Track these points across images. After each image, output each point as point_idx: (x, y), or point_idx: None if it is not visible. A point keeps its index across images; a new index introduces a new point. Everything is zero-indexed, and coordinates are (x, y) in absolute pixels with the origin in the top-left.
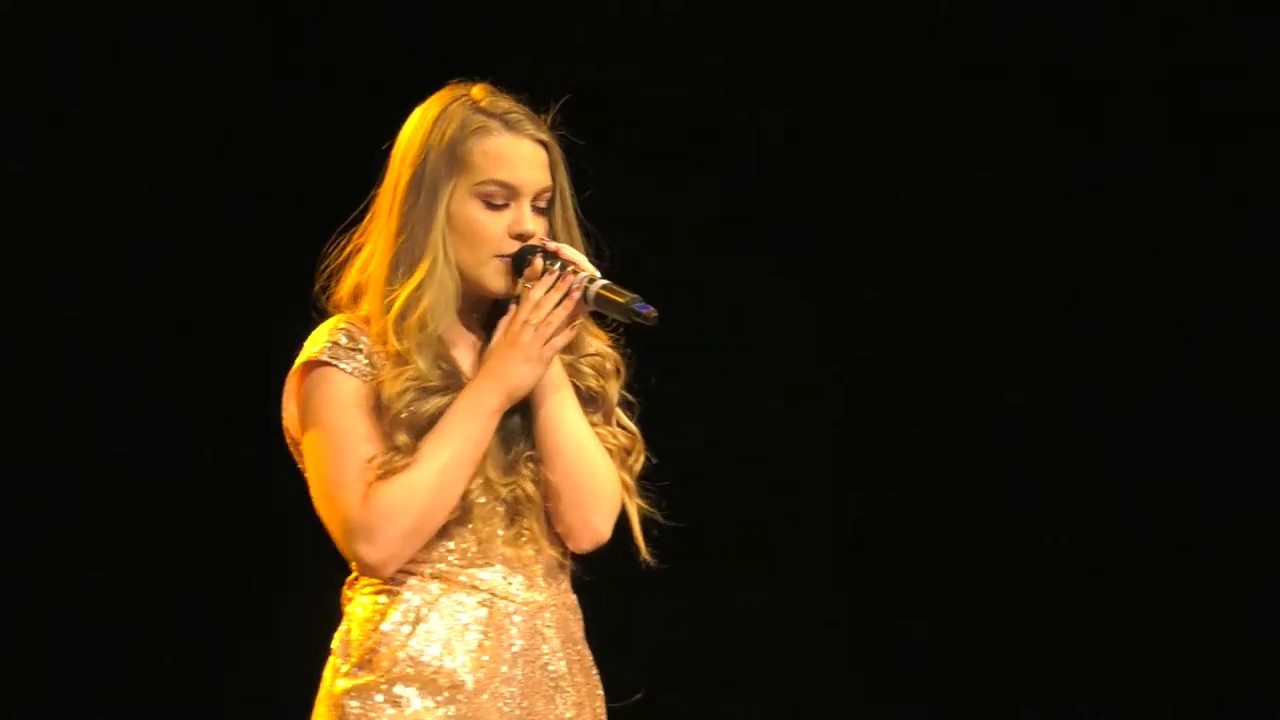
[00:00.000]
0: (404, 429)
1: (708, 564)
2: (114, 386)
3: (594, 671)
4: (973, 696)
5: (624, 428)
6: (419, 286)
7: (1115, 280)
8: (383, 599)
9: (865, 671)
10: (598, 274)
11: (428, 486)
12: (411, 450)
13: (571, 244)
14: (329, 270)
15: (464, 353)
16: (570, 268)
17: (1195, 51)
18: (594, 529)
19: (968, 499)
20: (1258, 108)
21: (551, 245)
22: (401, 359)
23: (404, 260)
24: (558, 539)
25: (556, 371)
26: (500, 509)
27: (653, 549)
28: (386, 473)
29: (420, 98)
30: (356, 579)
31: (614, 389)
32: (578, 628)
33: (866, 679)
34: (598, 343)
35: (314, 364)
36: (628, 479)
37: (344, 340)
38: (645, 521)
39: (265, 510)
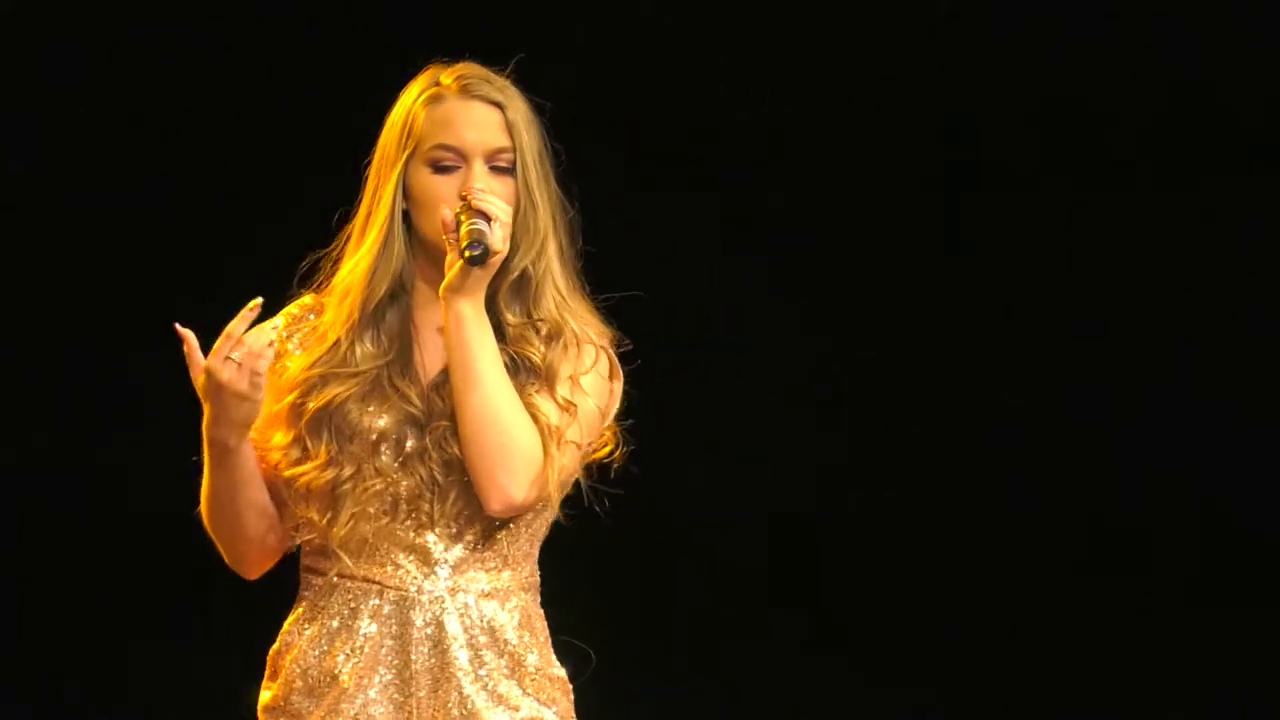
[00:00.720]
0: (302, 418)
1: (705, 564)
2: (114, 386)
3: (527, 657)
4: (972, 696)
5: (569, 402)
6: (359, 258)
7: (1115, 280)
8: (295, 603)
9: (865, 671)
10: (500, 219)
11: (208, 520)
12: (300, 447)
13: (532, 209)
14: (324, 265)
15: (431, 325)
16: (475, 222)
17: (1195, 51)
18: (500, 487)
19: (968, 499)
20: (1258, 107)
21: (473, 196)
22: (322, 338)
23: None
24: (475, 523)
25: (475, 330)
26: (399, 498)
27: (609, 521)
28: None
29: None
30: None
31: (560, 359)
32: (502, 613)
33: (866, 679)
34: (559, 312)
35: None
36: (553, 448)
37: (286, 324)
38: (653, 520)
39: None
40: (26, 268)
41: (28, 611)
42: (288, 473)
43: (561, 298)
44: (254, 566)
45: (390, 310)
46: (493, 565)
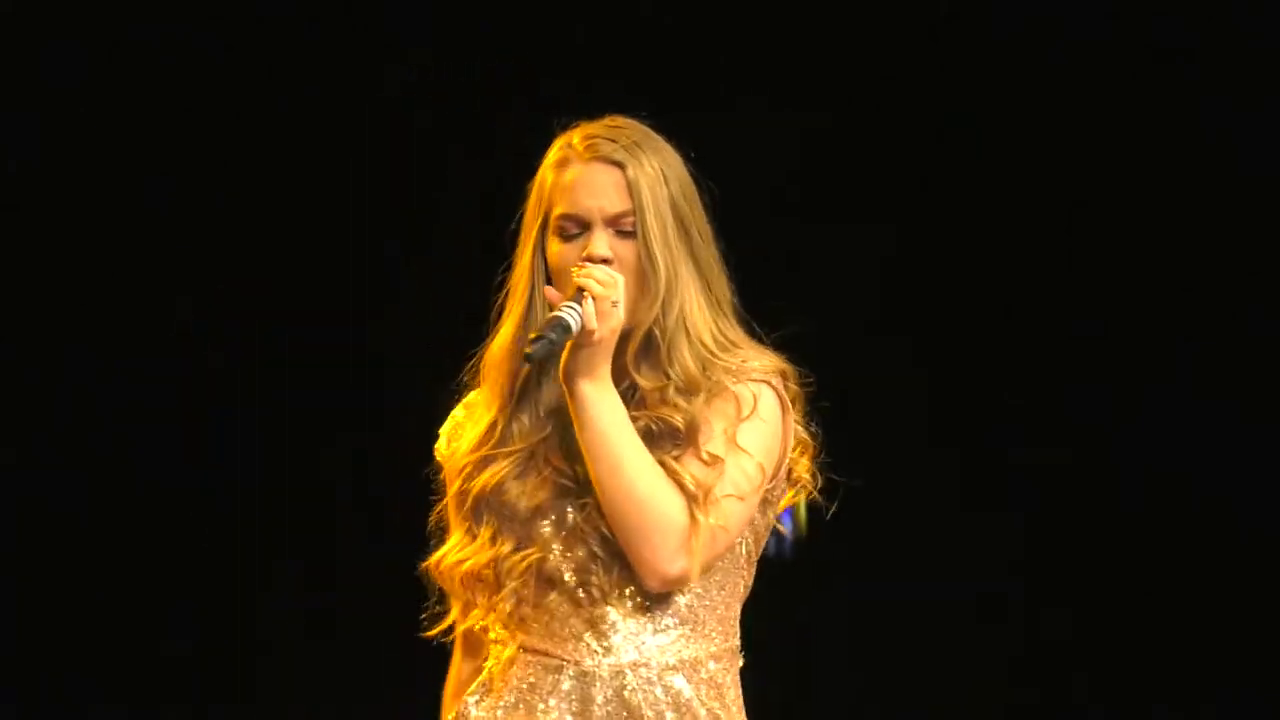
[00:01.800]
0: (465, 506)
1: None
2: (114, 386)
3: None
4: (967, 695)
5: (714, 456)
6: (503, 332)
7: (1115, 280)
8: (490, 658)
9: (864, 673)
10: (595, 292)
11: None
12: (467, 535)
13: (652, 270)
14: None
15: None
16: (562, 308)
17: (1195, 52)
18: (648, 564)
19: (968, 499)
20: (1258, 107)
21: (577, 271)
22: (477, 420)
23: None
24: (631, 587)
25: (599, 410)
26: (568, 572)
27: None
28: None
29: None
30: None
31: (704, 413)
32: (690, 687)
33: (866, 680)
34: (698, 365)
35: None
36: (699, 513)
37: (448, 429)
38: None
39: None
40: (26, 268)
41: (28, 612)
42: (450, 560)
43: (706, 350)
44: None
45: (543, 382)
46: (678, 634)
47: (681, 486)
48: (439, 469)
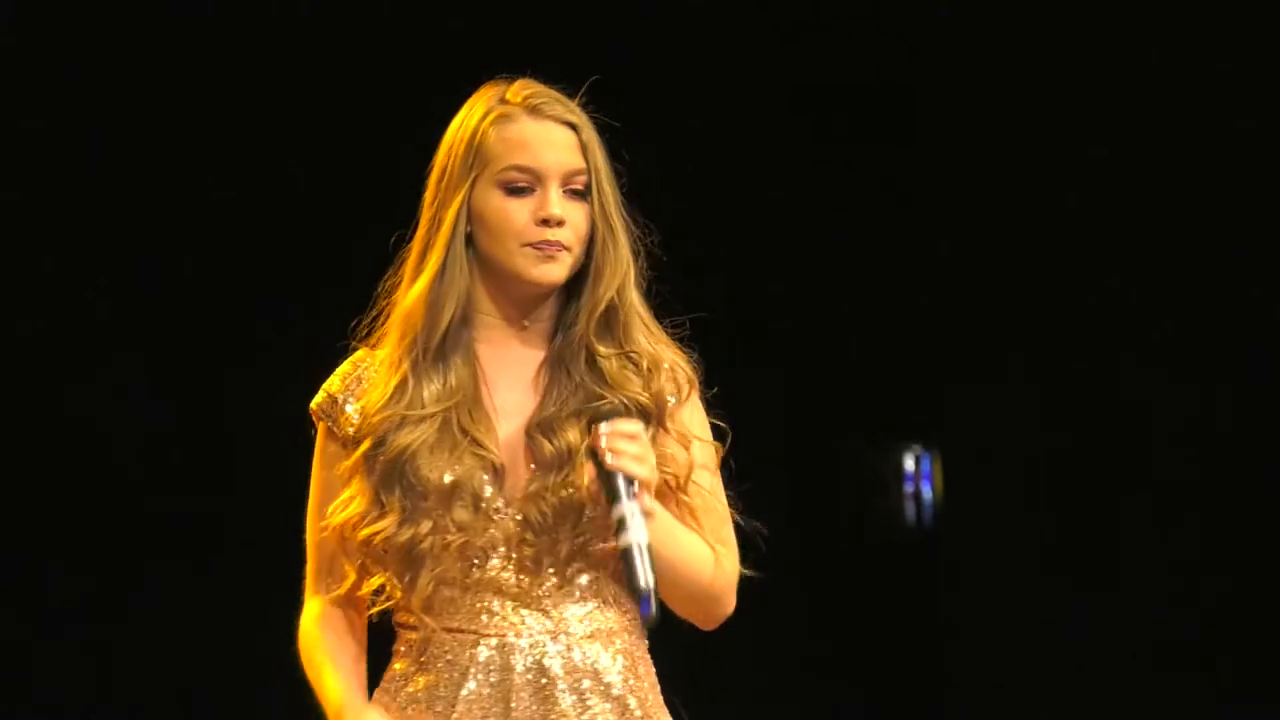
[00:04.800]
0: (375, 471)
1: None
2: (114, 384)
3: (630, 700)
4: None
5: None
6: (419, 285)
7: (1116, 279)
8: (392, 657)
9: (859, 676)
10: (644, 532)
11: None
12: (374, 503)
13: (612, 235)
14: (378, 307)
15: (501, 359)
16: (623, 511)
17: (1194, 51)
18: (717, 619)
19: (970, 500)
20: (1257, 106)
21: (606, 450)
22: (385, 379)
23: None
24: (575, 563)
25: (660, 525)
26: (489, 547)
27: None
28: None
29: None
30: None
31: (663, 391)
32: (605, 656)
33: (868, 692)
34: (652, 345)
35: (312, 413)
36: (736, 559)
37: (339, 385)
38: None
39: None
40: (26, 267)
41: (25, 610)
42: (363, 533)
43: (648, 329)
44: None
45: (454, 344)
46: (595, 606)
47: (716, 550)
48: (332, 424)
